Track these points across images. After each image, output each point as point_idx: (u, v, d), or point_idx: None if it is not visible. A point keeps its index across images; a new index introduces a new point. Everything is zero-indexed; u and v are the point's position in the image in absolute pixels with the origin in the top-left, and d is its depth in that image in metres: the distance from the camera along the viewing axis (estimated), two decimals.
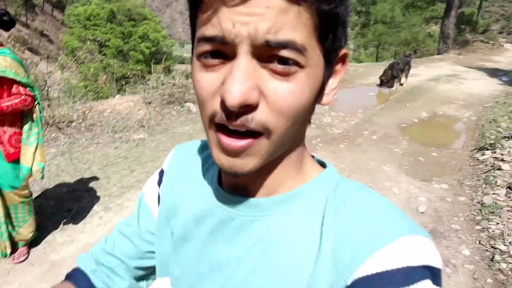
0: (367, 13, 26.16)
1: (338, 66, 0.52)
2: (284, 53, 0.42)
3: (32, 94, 2.52)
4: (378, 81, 9.58)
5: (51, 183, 3.95)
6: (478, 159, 5.30)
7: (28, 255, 2.90)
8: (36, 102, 2.58)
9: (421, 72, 11.97)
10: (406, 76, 9.82)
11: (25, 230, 2.82)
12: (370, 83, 9.99)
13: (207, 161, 0.66)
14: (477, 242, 3.55)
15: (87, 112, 5.54)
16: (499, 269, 3.14)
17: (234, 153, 0.46)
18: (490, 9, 61.06)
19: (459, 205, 4.21)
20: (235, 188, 0.56)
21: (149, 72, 7.51)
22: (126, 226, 0.72)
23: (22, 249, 2.88)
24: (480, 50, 20.32)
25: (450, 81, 11.10)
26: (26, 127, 2.59)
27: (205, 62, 0.45)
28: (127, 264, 0.70)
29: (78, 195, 3.79)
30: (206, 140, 0.60)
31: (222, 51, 0.43)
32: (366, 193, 0.52)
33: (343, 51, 0.51)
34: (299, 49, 0.42)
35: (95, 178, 4.11)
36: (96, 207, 3.59)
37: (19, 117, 2.58)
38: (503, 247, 3.37)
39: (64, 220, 3.36)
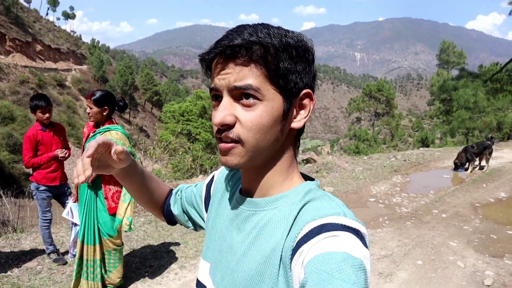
0: (450, 100, 25.69)
1: (306, 101, 0.76)
2: (246, 92, 0.70)
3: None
4: (453, 165, 9.42)
5: (138, 245, 4.59)
6: None
7: None
8: None
9: (505, 155, 11.52)
10: (487, 161, 9.43)
11: (114, 275, 3.39)
12: (446, 167, 9.84)
13: (239, 179, 0.93)
14: None
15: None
16: None
17: (224, 152, 0.74)
18: None
19: None
20: (245, 191, 0.84)
21: None
22: (194, 186, 1.08)
23: None
24: None
25: None
26: None
27: (213, 105, 0.77)
28: (183, 203, 1.08)
29: (159, 255, 4.35)
30: None
31: (218, 96, 0.75)
32: (325, 197, 0.75)
33: (305, 91, 0.75)
34: (255, 89, 0.69)
35: (175, 243, 4.67)
36: (173, 265, 4.11)
37: None
38: None
39: (146, 274, 3.91)
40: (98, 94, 3.21)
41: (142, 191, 1.06)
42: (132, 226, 3.36)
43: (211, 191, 1.00)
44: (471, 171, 9.20)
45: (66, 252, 4.24)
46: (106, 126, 3.27)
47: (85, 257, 3.26)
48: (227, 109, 0.72)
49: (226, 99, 0.72)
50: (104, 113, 3.25)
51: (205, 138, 28.10)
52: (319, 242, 0.61)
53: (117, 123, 3.37)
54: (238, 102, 0.72)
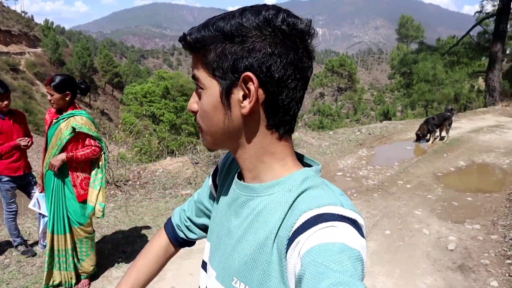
0: (410, 73, 26.33)
1: (249, 85, 0.70)
2: (196, 82, 0.76)
3: (100, 145, 3.17)
4: (415, 137, 9.73)
5: (109, 231, 4.52)
6: None
7: (89, 287, 3.39)
8: (102, 152, 3.22)
9: (462, 125, 11.97)
10: (447, 131, 9.76)
11: (87, 264, 3.34)
12: (409, 138, 10.15)
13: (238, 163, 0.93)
14: (507, 274, 3.65)
15: (141, 172, 6.24)
16: None
17: (200, 135, 0.83)
18: None
19: (490, 243, 4.31)
20: (241, 177, 0.84)
21: (195, 144, 8.21)
22: (196, 194, 1.06)
23: (84, 281, 3.38)
24: None
25: (493, 131, 11.02)
26: (93, 172, 3.21)
27: None
28: (197, 222, 1.04)
29: (132, 240, 4.31)
30: None
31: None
32: (323, 185, 0.73)
33: (244, 74, 0.69)
34: (196, 78, 0.75)
35: (147, 227, 4.63)
36: None
37: (89, 164, 3.22)
38: None
39: (119, 260, 3.87)
40: (57, 79, 3.07)
41: (149, 279, 1.08)
42: (105, 212, 3.30)
43: (217, 180, 1.00)
44: (432, 142, 9.54)
45: (35, 243, 4.12)
46: (69, 111, 3.16)
47: (56, 248, 3.19)
48: (194, 97, 0.79)
49: (196, 88, 0.78)
50: (66, 98, 3.12)
51: (169, 119, 27.75)
52: (316, 232, 0.60)
53: (80, 108, 3.25)
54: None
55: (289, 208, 0.71)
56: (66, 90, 3.10)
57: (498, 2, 19.90)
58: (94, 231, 3.39)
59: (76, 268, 3.32)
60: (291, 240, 0.64)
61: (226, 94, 0.72)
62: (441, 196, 5.83)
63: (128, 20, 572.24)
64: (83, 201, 3.18)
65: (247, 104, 0.72)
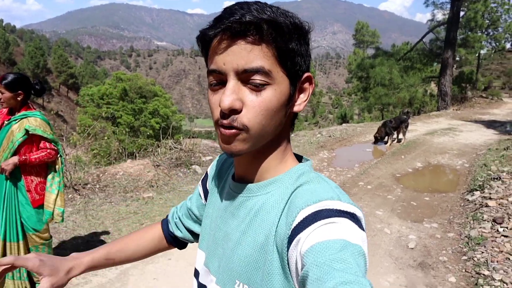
0: (367, 77, 27.07)
1: (306, 85, 0.75)
2: (257, 76, 0.66)
3: (56, 148, 3.00)
4: (373, 139, 9.99)
5: (68, 236, 4.32)
6: (468, 200, 5.58)
7: None
8: (58, 155, 3.06)
9: (418, 128, 12.41)
10: (404, 134, 10.10)
11: None
12: (368, 141, 10.41)
13: (231, 166, 0.92)
14: (463, 270, 3.79)
15: (101, 175, 6.02)
16: None
17: (228, 139, 0.69)
18: (490, 67, 63.13)
19: (447, 240, 4.46)
20: (239, 178, 0.81)
21: (157, 147, 8.06)
22: (188, 201, 1.05)
23: None
24: (478, 105, 20.95)
25: (446, 134, 11.50)
26: (49, 176, 3.05)
27: (212, 88, 0.71)
28: (184, 223, 1.04)
29: (92, 245, 4.13)
30: None
31: (221, 80, 0.69)
32: (318, 179, 0.73)
33: (307, 74, 0.73)
34: (266, 72, 0.66)
35: (107, 232, 4.47)
36: None
37: (45, 168, 3.05)
38: (486, 272, 3.61)
39: None
40: (10, 77, 2.89)
41: (134, 256, 1.05)
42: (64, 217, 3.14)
43: (208, 186, 0.98)
44: (390, 144, 9.83)
45: None
46: (23, 112, 2.97)
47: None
48: (235, 93, 0.67)
49: (233, 82, 0.67)
50: (19, 98, 2.93)
51: (127, 121, 27.11)
52: (316, 230, 0.59)
53: (35, 109, 3.08)
54: (246, 86, 0.67)
55: (285, 204, 0.70)
56: (19, 90, 2.92)
57: (448, 11, 20.88)
58: (51, 237, 3.21)
59: (30, 277, 3.13)
60: (291, 238, 0.63)
61: (293, 92, 0.72)
62: (400, 196, 6.00)
63: (84, 20, 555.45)
64: (39, 206, 3.00)
65: (302, 103, 0.75)
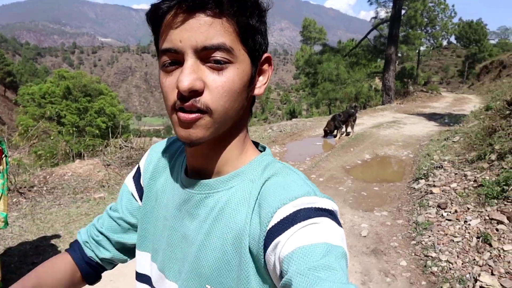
0: (314, 73, 27.66)
1: (265, 66, 0.70)
2: (218, 53, 0.59)
3: (0, 148, 2.84)
4: (323, 133, 10.26)
5: (15, 242, 4.10)
6: (414, 188, 5.87)
7: None
8: (3, 155, 2.90)
9: (365, 122, 12.86)
10: (352, 127, 10.43)
11: None
12: (317, 135, 10.66)
13: (176, 154, 0.83)
14: (413, 254, 3.99)
15: (48, 177, 5.76)
16: (431, 272, 3.57)
17: (187, 125, 0.62)
18: (429, 63, 66.75)
19: (397, 227, 4.68)
20: (194, 173, 0.74)
21: (106, 146, 7.81)
22: (113, 211, 0.88)
23: None
24: (419, 99, 22.00)
25: (391, 126, 12.01)
26: None
27: (166, 69, 0.63)
28: (112, 239, 0.87)
29: (42, 249, 3.96)
30: (174, 136, 0.85)
31: (176, 60, 0.61)
32: (286, 170, 0.69)
33: (266, 55, 0.69)
34: (228, 49, 0.60)
35: (57, 235, 4.28)
36: None
37: None
38: (434, 254, 3.82)
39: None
40: None
41: None
42: (8, 222, 2.98)
43: (142, 183, 0.86)
44: (339, 137, 10.12)
45: None
46: None
47: None
48: (194, 72, 0.59)
49: (192, 61, 0.60)
50: None
51: (72, 121, 26.09)
52: (296, 233, 0.56)
53: None
54: (205, 65, 0.61)
55: (256, 201, 0.65)
56: None
57: (391, 9, 21.78)
58: None
59: None
60: (267, 240, 0.59)
61: (255, 72, 0.67)
62: (351, 187, 6.21)
63: (22, 14, 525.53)
64: None
65: (262, 85, 0.70)
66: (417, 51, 31.01)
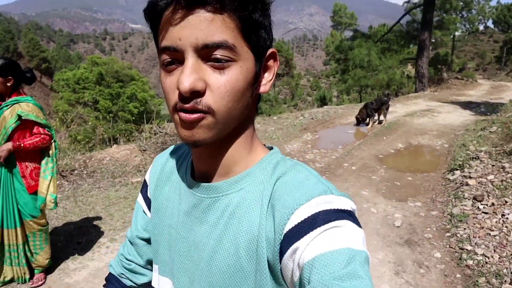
0: (345, 59, 27.23)
1: (270, 62, 0.66)
2: (219, 51, 0.56)
3: (49, 133, 2.98)
4: (355, 121, 10.16)
5: (60, 222, 4.32)
6: (449, 179, 5.78)
7: (45, 281, 3.23)
8: (52, 140, 3.04)
9: (398, 110, 12.64)
10: (385, 115, 10.28)
11: (42, 257, 3.17)
12: (349, 122, 10.57)
13: (180, 160, 0.81)
14: (447, 246, 3.96)
15: (87, 161, 5.98)
16: (466, 265, 3.54)
17: (189, 125, 0.59)
18: (464, 49, 64.53)
19: (431, 218, 4.64)
20: (201, 176, 0.71)
21: (141, 131, 8.01)
22: (129, 232, 0.88)
23: (39, 275, 3.21)
24: (454, 86, 21.40)
25: (425, 115, 11.76)
26: (43, 162, 3.03)
27: (167, 69, 0.60)
28: (142, 263, 0.87)
29: (85, 230, 4.15)
30: (177, 144, 0.85)
31: (176, 58, 0.59)
32: (298, 167, 0.66)
33: (271, 50, 0.65)
34: (231, 46, 0.56)
35: (99, 217, 4.48)
36: (102, 239, 3.95)
37: (39, 154, 3.03)
38: (469, 247, 3.78)
39: (75, 251, 3.72)
40: None
41: None
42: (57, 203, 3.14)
43: (149, 194, 0.84)
44: (371, 126, 10.00)
45: None
46: (14, 98, 2.94)
47: (6, 242, 2.99)
48: (195, 72, 0.57)
49: (192, 60, 0.57)
50: (8, 84, 2.89)
51: (105, 106, 26.72)
52: (316, 238, 0.53)
53: (26, 94, 3.04)
54: (206, 63, 0.58)
55: (269, 201, 0.62)
56: (9, 75, 2.88)
57: None
58: (47, 223, 3.21)
59: (29, 263, 3.14)
60: (285, 244, 0.57)
61: (259, 69, 0.64)
62: (384, 176, 6.16)
63: (55, 2, 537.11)
64: (34, 192, 2.99)
65: (267, 82, 0.66)
66: (451, 36, 30.02)
